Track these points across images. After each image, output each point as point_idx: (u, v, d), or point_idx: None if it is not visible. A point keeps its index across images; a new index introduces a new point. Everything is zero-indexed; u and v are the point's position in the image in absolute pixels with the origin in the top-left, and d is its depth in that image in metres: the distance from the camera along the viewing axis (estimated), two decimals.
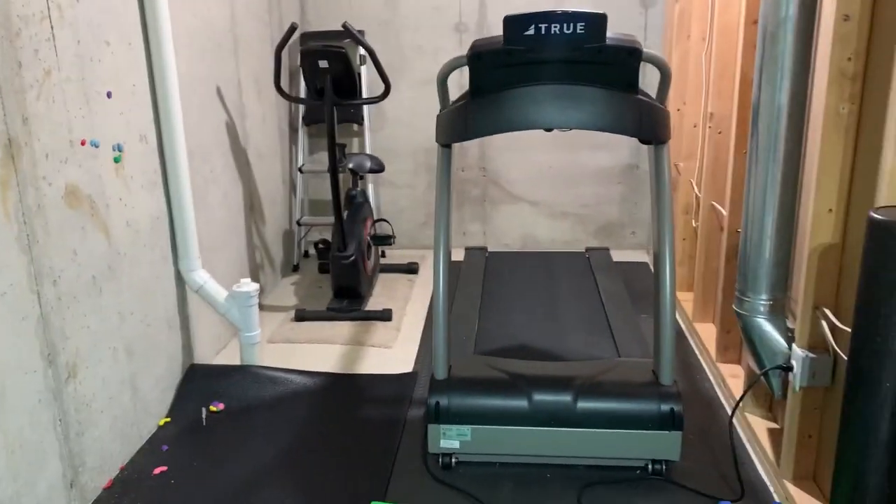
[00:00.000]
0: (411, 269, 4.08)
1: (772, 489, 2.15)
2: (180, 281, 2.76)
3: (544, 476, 2.25)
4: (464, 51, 4.09)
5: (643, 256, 4.29)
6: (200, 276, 2.76)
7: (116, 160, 2.33)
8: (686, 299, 3.44)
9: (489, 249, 4.26)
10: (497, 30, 3.94)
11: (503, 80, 2.16)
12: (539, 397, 2.24)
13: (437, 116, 2.38)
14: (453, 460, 2.31)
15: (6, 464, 1.82)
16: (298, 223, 4.20)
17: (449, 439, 2.27)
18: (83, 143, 2.15)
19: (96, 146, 2.21)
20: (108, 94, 2.28)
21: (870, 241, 1.51)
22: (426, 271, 4.12)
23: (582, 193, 4.38)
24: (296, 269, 4.19)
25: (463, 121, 2.22)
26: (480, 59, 2.15)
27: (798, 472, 2.09)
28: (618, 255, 4.20)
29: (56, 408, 2.02)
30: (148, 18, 2.49)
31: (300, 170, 4.17)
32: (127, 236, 2.39)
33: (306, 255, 4.35)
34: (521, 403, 2.24)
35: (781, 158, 2.07)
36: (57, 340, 2.02)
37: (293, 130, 4.23)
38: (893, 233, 1.45)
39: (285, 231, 4.12)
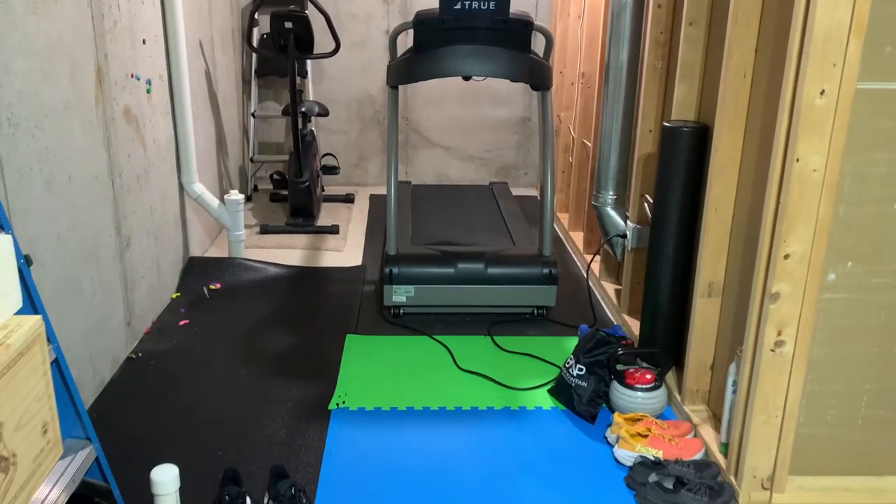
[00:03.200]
0: (349, 198, 4.97)
1: (613, 320, 3.23)
2: (182, 190, 3.55)
3: (465, 319, 3.23)
4: (391, 18, 4.98)
5: (533, 192, 5.34)
6: (198, 187, 3.55)
7: (148, 91, 3.10)
8: (563, 217, 4.51)
9: (413, 183, 5.19)
10: (417, 2, 4.84)
11: (438, 40, 3.09)
12: (461, 265, 3.21)
13: (388, 66, 3.29)
14: (402, 311, 3.26)
15: (97, 300, 2.62)
16: (251, 160, 4.98)
17: (399, 295, 3.22)
18: (131, 76, 2.92)
19: (138, 79, 2.99)
20: (144, 41, 3.05)
21: (662, 141, 2.56)
22: (360, 201, 5.02)
23: (485, 141, 5.37)
24: (248, 199, 4.97)
25: (408, 69, 3.14)
26: (423, 24, 3.07)
27: (630, 308, 3.16)
28: (514, 191, 5.22)
29: (121, 266, 2.82)
30: None
31: (253, 115, 4.94)
32: (153, 150, 3.17)
33: (255, 188, 5.14)
34: (449, 270, 3.21)
35: (622, 98, 3.11)
36: (121, 217, 2.81)
37: (245, 82, 4.98)
38: (673, 133, 2.50)
39: (240, 166, 4.90)
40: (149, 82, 3.11)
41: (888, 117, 1.82)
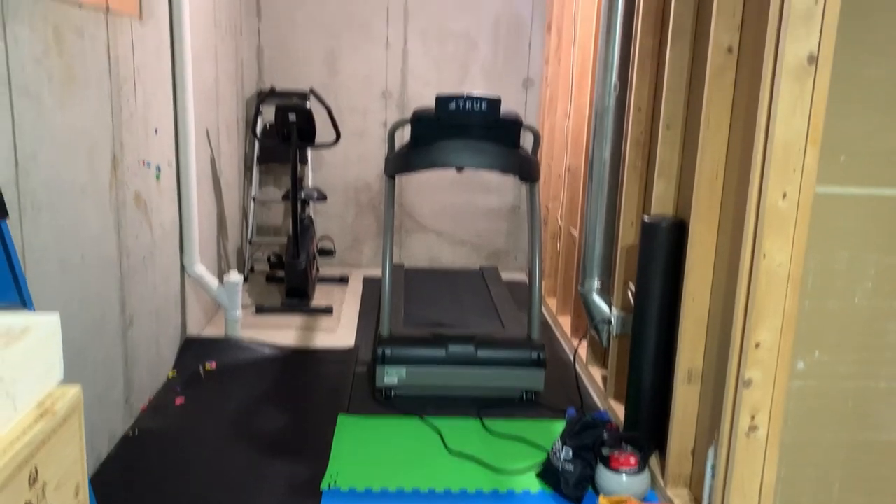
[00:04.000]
0: (343, 279, 5.10)
1: (600, 404, 3.32)
2: (183, 271, 3.67)
3: (456, 401, 3.31)
4: (388, 112, 5.23)
5: (523, 277, 5.49)
6: (199, 268, 3.68)
7: (157, 177, 3.27)
8: (551, 302, 4.64)
9: (406, 266, 5.33)
10: (414, 97, 5.15)
11: (433, 135, 3.29)
12: (452, 347, 3.31)
13: (386, 158, 3.49)
14: (393, 393, 3.34)
15: (98, 377, 2.71)
16: (250, 242, 5.13)
17: (390, 377, 3.30)
18: (143, 163, 3.09)
19: (149, 166, 3.16)
20: (156, 130, 3.24)
21: (643, 234, 2.72)
22: (354, 282, 5.15)
23: (476, 227, 5.56)
24: (245, 280, 5.10)
25: (406, 160, 3.34)
26: (419, 120, 3.28)
27: (616, 393, 3.26)
28: (504, 276, 5.38)
29: (123, 343, 2.91)
30: (177, 78, 3.46)
31: (253, 199, 5.12)
32: (159, 233, 3.31)
33: (252, 270, 5.27)
34: (440, 352, 3.31)
35: (606, 192, 3.30)
36: (126, 297, 2.92)
37: (248, 168, 5.19)
38: (653, 227, 2.66)
39: (238, 248, 5.04)
40: (158, 168, 3.28)
41: (845, 218, 1.99)
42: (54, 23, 2.27)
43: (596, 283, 3.38)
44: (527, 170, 3.36)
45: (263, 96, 4.26)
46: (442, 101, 3.24)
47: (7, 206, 2.01)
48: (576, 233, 4.10)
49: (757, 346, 1.99)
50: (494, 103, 3.23)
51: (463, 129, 3.27)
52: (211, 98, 4.23)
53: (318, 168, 5.35)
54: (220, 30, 4.35)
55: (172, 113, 3.46)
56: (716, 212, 2.38)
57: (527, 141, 3.55)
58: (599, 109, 3.28)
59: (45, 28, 2.22)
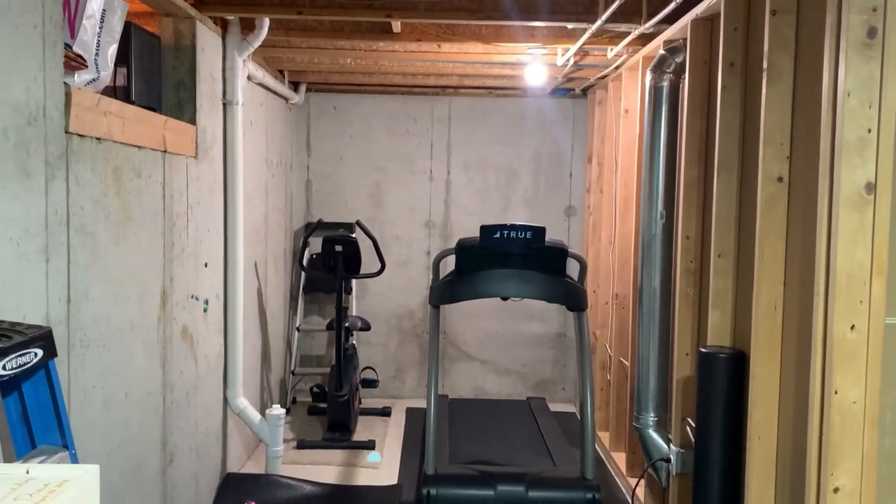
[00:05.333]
0: (385, 412, 4.98)
1: None
2: (225, 405, 3.62)
3: None
4: (431, 241, 5.28)
5: (572, 408, 5.30)
6: (242, 401, 3.63)
7: (205, 310, 3.29)
8: (604, 436, 4.44)
9: (450, 396, 5.20)
10: (457, 226, 5.21)
11: (478, 264, 3.28)
12: (501, 488, 3.14)
13: (431, 287, 3.47)
14: None
15: None
16: (293, 372, 5.09)
17: None
18: (191, 297, 3.12)
19: (197, 300, 3.19)
20: (206, 264, 3.29)
21: (700, 366, 2.61)
22: (397, 415, 5.02)
23: (522, 355, 5.45)
24: (287, 412, 5.01)
25: (451, 290, 3.32)
26: (464, 250, 3.28)
27: None
28: (551, 406, 5.20)
29: (162, 483, 2.83)
30: (229, 214, 3.56)
31: (298, 329, 5.13)
32: (204, 366, 3.30)
33: (294, 401, 5.19)
34: (488, 492, 3.14)
35: (657, 322, 3.21)
36: (168, 433, 2.87)
37: (293, 298, 5.23)
38: (710, 359, 2.55)
39: (281, 379, 5.00)
40: (206, 302, 3.31)
41: None
42: (115, 164, 2.36)
43: (652, 418, 3.22)
44: (574, 298, 3.30)
45: (311, 228, 4.36)
46: (487, 230, 3.25)
47: (57, 342, 2.01)
48: (627, 363, 3.97)
49: (836, 490, 1.83)
50: (539, 231, 3.22)
51: (508, 258, 3.25)
52: (260, 231, 4.33)
53: (362, 297, 5.37)
54: (271, 167, 4.52)
55: (223, 247, 3.53)
56: (777, 344, 2.28)
57: (572, 269, 3.52)
58: (646, 238, 3.25)
59: (106, 169, 2.31)
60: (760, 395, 2.29)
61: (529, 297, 3.29)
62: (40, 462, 1.66)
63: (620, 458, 4.04)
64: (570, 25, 3.41)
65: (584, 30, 3.37)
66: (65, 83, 2.04)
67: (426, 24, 3.62)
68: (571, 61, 4.06)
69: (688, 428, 2.93)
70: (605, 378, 4.52)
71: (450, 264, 3.41)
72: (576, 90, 5.15)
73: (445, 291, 3.34)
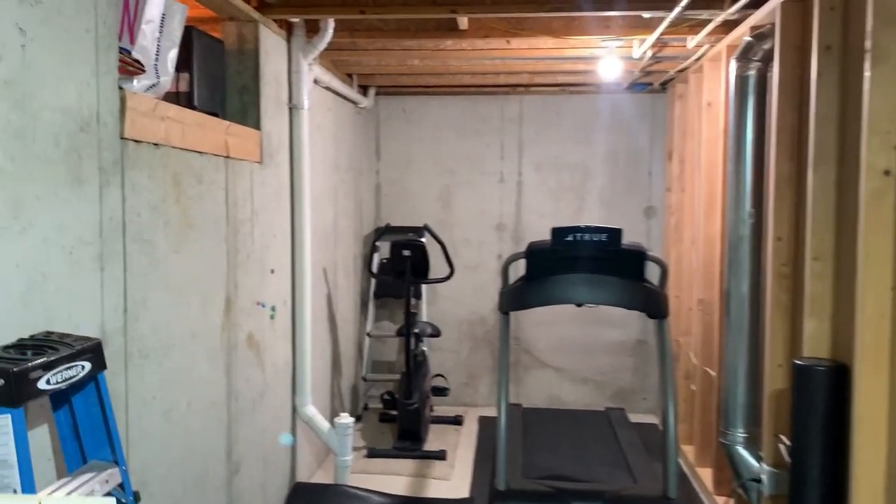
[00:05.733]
0: (457, 420, 4.86)
1: None
2: (294, 413, 3.57)
3: None
4: (503, 244, 5.15)
5: (653, 419, 5.04)
6: (310, 409, 3.57)
7: (272, 317, 3.25)
8: (688, 450, 4.18)
9: (523, 406, 5.03)
10: (528, 228, 5.05)
11: (549, 269, 3.12)
12: None
13: (500, 293, 3.32)
14: None
15: None
16: (364, 379, 5.03)
17: None
18: (257, 304, 3.07)
19: (263, 306, 3.14)
20: (272, 271, 3.25)
21: (795, 379, 2.37)
22: (469, 423, 4.89)
23: (599, 363, 5.23)
24: (358, 418, 4.95)
25: (521, 296, 3.16)
26: (535, 254, 3.12)
27: None
28: (631, 417, 4.96)
29: (227, 494, 2.78)
30: (296, 219, 3.51)
31: (368, 334, 5.07)
32: (271, 373, 3.25)
33: (366, 407, 5.13)
34: None
35: (746, 330, 2.96)
36: (233, 443, 2.82)
37: (363, 303, 5.18)
38: (807, 372, 2.31)
39: (352, 385, 4.94)
40: (273, 308, 3.26)
41: None
42: (174, 170, 2.32)
43: (741, 434, 2.98)
44: (655, 305, 3.10)
45: (380, 233, 4.29)
46: (559, 232, 3.09)
47: (113, 354, 1.97)
48: (713, 373, 3.72)
49: None
50: (615, 233, 3.03)
51: (582, 261, 3.07)
52: (329, 236, 4.28)
53: (433, 302, 5.27)
54: (340, 171, 4.47)
55: (290, 253, 3.48)
56: (885, 356, 2.03)
57: (652, 273, 3.30)
58: (733, 239, 3.01)
59: (165, 175, 2.26)
60: (866, 412, 2.05)
61: (605, 304, 3.10)
62: (88, 478, 1.61)
63: (706, 475, 3.78)
64: (646, 14, 3.21)
65: (662, 19, 3.17)
66: (120, 88, 2.00)
67: (493, 19, 3.48)
68: (649, 53, 3.84)
69: (781, 446, 2.69)
70: (689, 388, 4.26)
71: (520, 269, 3.26)
72: (654, 84, 4.90)
73: (515, 297, 3.19)
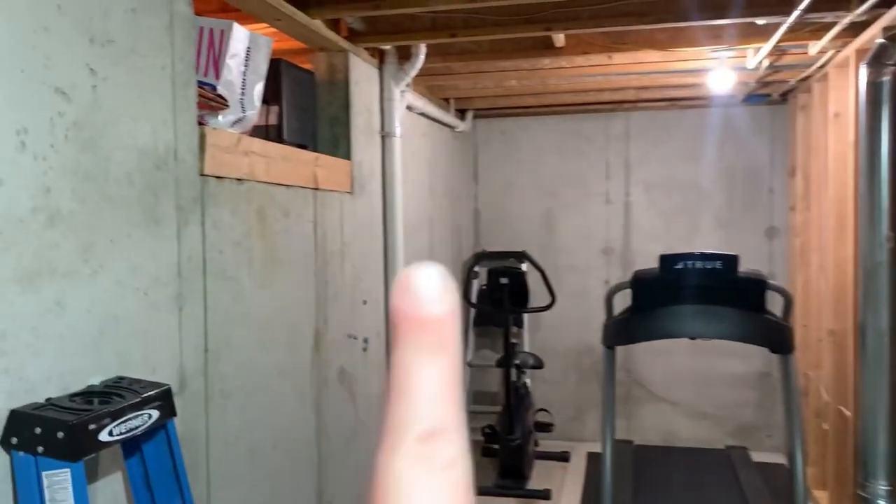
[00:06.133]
0: (564, 456, 4.62)
1: None
2: None
3: None
4: (610, 269, 4.89)
5: (780, 459, 4.60)
6: None
7: (364, 350, 3.17)
8: (821, 496, 3.76)
9: (635, 443, 4.73)
10: (638, 252, 4.77)
11: (658, 299, 2.87)
12: None
13: (604, 325, 3.10)
14: None
15: None
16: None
17: None
18: (349, 337, 3.00)
19: (355, 339, 3.06)
20: (364, 302, 3.17)
21: None
22: (577, 459, 4.63)
23: (718, 396, 4.85)
24: None
25: (626, 330, 2.93)
26: (641, 283, 2.89)
27: None
28: (755, 456, 4.55)
29: None
30: (388, 249, 3.43)
31: (468, 364, 4.93)
32: (364, 408, 3.16)
33: None
34: None
35: (886, 367, 2.61)
36: (324, 484, 2.74)
37: (463, 331, 5.04)
38: None
39: None
40: (366, 340, 3.18)
41: None
42: (258, 205, 2.28)
43: (882, 486, 2.61)
44: (778, 339, 2.79)
45: (476, 259, 4.16)
46: (667, 260, 2.83)
47: (192, 395, 1.93)
48: (848, 412, 3.32)
49: None
50: (731, 260, 2.75)
51: (694, 291, 2.81)
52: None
53: (535, 331, 5.07)
54: (435, 197, 4.38)
55: (383, 283, 3.41)
56: None
57: (774, 301, 2.99)
58: (868, 265, 2.67)
59: (248, 210, 2.22)
60: None
61: (721, 338, 2.82)
62: None
63: None
64: (760, 21, 2.94)
65: (779, 24, 2.89)
66: (199, 124, 1.97)
67: (591, 35, 3.30)
68: (765, 63, 3.54)
69: None
70: (821, 427, 3.85)
71: (627, 299, 3.02)
72: (773, 95, 4.54)
73: (620, 331, 2.96)
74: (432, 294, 0.27)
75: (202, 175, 1.97)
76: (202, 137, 1.97)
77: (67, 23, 1.51)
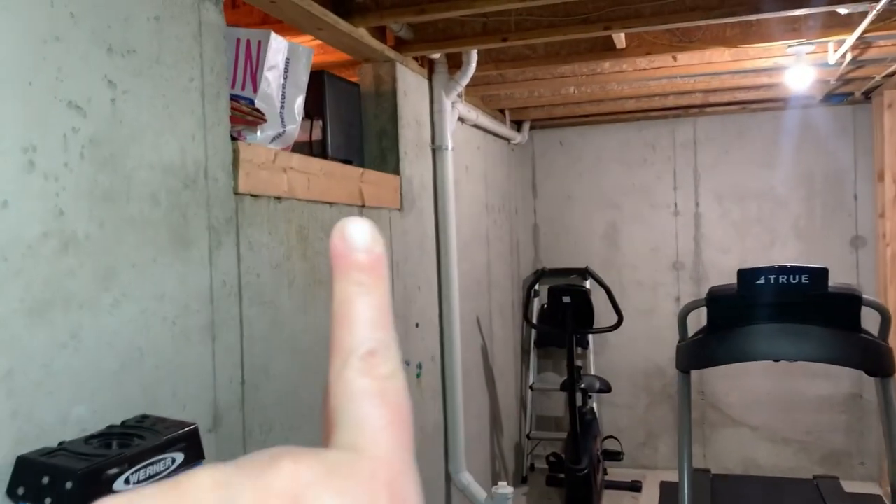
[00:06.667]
0: (635, 486, 4.33)
1: None
2: (448, 481, 3.27)
3: None
4: (681, 285, 4.61)
5: (875, 489, 4.22)
6: (465, 477, 3.26)
7: (418, 376, 2.99)
8: None
9: (712, 472, 4.41)
10: (710, 267, 4.48)
11: (736, 318, 2.61)
12: None
13: (678, 347, 2.85)
14: None
15: None
16: (528, 437, 4.65)
17: None
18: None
19: (408, 364, 2.89)
20: (417, 325, 3.00)
21: None
22: (649, 490, 4.34)
23: (803, 420, 4.49)
24: (524, 480, 4.57)
25: (702, 352, 2.67)
26: (718, 301, 2.63)
27: None
28: (846, 486, 4.18)
29: None
30: (442, 268, 3.25)
31: (531, 387, 4.70)
32: (419, 439, 2.98)
33: (532, 468, 4.74)
34: None
35: None
36: None
37: (524, 352, 4.83)
38: None
39: (516, 443, 4.58)
40: (419, 366, 3.00)
41: None
42: (299, 224, 2.14)
43: None
44: (875, 361, 2.49)
45: (536, 277, 3.95)
46: (747, 274, 2.57)
47: (229, 431, 1.78)
48: None
49: None
50: (819, 274, 2.48)
51: (777, 308, 2.54)
52: (482, 283, 4.00)
53: (601, 351, 4.81)
54: (492, 212, 4.20)
55: (437, 304, 3.23)
56: None
57: (869, 319, 2.68)
58: None
59: (289, 230, 2.08)
60: None
61: (811, 360, 2.54)
62: None
63: None
64: (843, 10, 2.67)
65: (865, 13, 2.62)
66: (233, 139, 1.84)
67: (654, 33, 3.07)
68: (848, 57, 3.24)
69: None
70: None
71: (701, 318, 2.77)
72: (855, 94, 4.21)
73: (696, 353, 2.70)
74: (366, 241, 0.32)
75: (236, 193, 1.84)
76: (235, 153, 1.83)
77: (82, 32, 1.39)
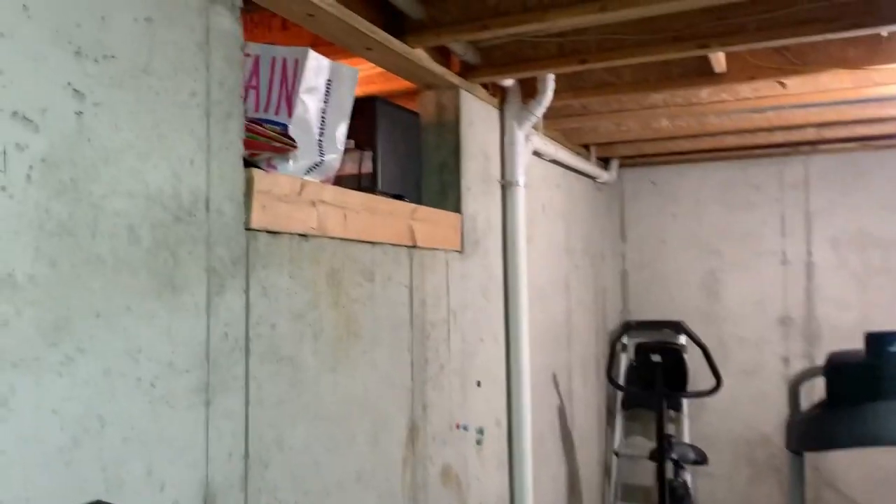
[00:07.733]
0: None
1: None
2: None
3: None
4: (789, 342, 4.06)
5: None
6: None
7: (479, 442, 2.62)
8: None
9: None
10: (824, 324, 3.92)
11: (864, 392, 2.13)
12: None
13: (788, 423, 2.37)
14: None
15: None
16: None
17: None
18: (457, 427, 2.47)
19: (466, 429, 2.53)
20: (478, 383, 2.64)
21: None
22: None
23: None
24: None
25: (820, 431, 2.20)
26: (840, 371, 2.17)
27: None
28: None
29: None
30: (510, 318, 2.89)
31: (616, 453, 4.22)
32: None
33: None
34: None
35: None
36: None
37: (610, 414, 4.36)
38: None
39: None
40: (480, 431, 2.63)
41: None
42: (330, 266, 1.84)
43: None
44: None
45: (623, 330, 3.52)
46: (877, 339, 2.11)
47: None
48: None
49: None
50: None
51: None
52: (560, 335, 3.60)
53: (698, 415, 4.28)
54: (573, 257, 3.81)
55: (503, 360, 2.87)
56: None
57: None
58: None
59: (316, 273, 1.79)
60: None
61: None
62: None
63: None
64: None
65: None
66: (246, 166, 1.57)
67: (759, 54, 2.66)
68: None
69: None
70: None
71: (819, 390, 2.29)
72: None
73: (812, 434, 2.22)
74: None
75: (248, 229, 1.56)
76: (249, 182, 1.56)
77: (38, 29, 1.15)
